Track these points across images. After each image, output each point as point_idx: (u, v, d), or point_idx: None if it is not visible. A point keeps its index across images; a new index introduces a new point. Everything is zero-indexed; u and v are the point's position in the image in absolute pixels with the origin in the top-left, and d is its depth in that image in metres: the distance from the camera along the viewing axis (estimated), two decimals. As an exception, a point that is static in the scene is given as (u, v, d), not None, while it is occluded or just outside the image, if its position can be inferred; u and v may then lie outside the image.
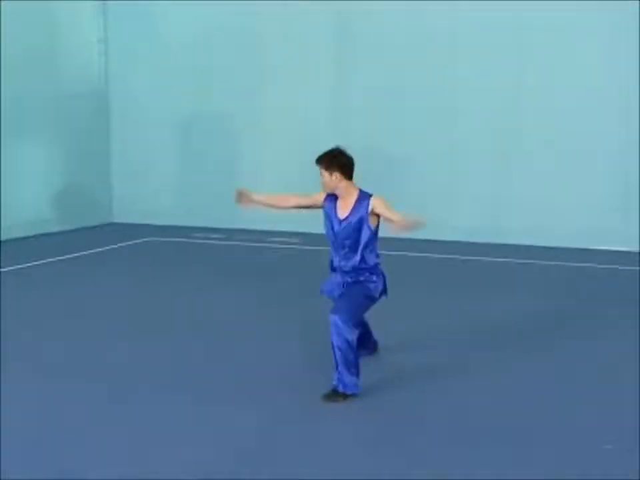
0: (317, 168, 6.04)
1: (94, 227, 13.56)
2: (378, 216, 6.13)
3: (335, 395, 5.85)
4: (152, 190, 13.91)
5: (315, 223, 12.60)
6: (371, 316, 6.46)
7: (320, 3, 12.72)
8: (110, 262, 10.95)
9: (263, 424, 5.46)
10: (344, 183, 6.10)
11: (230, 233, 12.86)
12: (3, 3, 11.92)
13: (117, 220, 14.06)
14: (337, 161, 6.09)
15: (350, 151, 6.25)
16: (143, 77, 13.83)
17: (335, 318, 5.82)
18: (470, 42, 12.13)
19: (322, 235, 12.15)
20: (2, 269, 10.02)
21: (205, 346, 7.12)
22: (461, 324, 7.84)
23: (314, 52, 12.90)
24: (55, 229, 12.89)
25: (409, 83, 12.43)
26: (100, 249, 11.62)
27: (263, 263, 10.94)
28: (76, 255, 11.19)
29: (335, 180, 6.08)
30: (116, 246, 11.91)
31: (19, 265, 10.40)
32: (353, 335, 5.81)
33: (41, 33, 12.73)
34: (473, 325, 7.82)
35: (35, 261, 10.65)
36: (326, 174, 6.10)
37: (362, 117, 12.73)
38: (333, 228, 6.24)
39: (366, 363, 6.31)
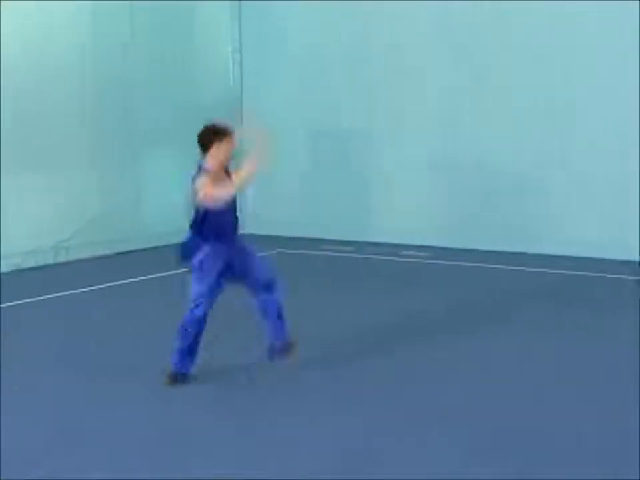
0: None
1: (226, 238, 13.62)
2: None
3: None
4: (283, 201, 13.90)
5: (448, 237, 12.48)
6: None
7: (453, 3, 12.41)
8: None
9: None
10: None
11: (360, 245, 12.68)
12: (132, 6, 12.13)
13: (248, 231, 14.05)
14: None
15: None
16: (275, 88, 13.84)
17: None
18: (590, 41, 11.53)
19: (454, 249, 12.07)
20: (142, 277, 10.20)
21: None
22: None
23: (450, 57, 12.58)
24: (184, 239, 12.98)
25: (529, 88, 11.95)
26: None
27: (390, 276, 10.77)
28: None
29: None
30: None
31: (151, 274, 10.51)
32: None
33: (178, 43, 12.93)
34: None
35: (168, 271, 10.70)
36: None
37: (503, 127, 12.32)
38: None
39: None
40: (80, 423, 5.70)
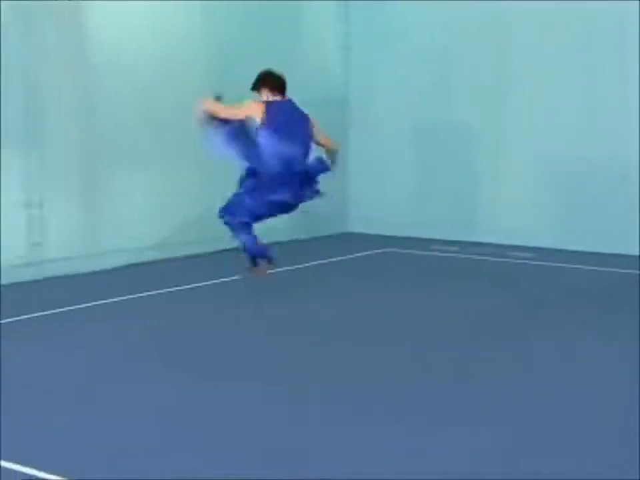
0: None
1: (329, 237, 13.50)
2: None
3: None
4: (389, 200, 13.76)
5: (552, 238, 12.12)
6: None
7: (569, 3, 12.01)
8: (343, 272, 10.90)
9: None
10: None
11: (465, 245, 12.45)
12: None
13: (352, 229, 13.97)
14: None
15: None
16: (381, 87, 13.71)
17: None
18: None
19: (558, 250, 11.74)
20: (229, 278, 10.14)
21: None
22: None
23: (561, 55, 12.24)
24: (287, 237, 12.93)
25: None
26: (334, 259, 11.60)
27: (481, 276, 10.62)
28: (308, 264, 11.17)
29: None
30: (349, 257, 11.82)
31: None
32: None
33: (285, 42, 12.90)
34: None
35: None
36: None
37: (612, 124, 11.88)
38: None
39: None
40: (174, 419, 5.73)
